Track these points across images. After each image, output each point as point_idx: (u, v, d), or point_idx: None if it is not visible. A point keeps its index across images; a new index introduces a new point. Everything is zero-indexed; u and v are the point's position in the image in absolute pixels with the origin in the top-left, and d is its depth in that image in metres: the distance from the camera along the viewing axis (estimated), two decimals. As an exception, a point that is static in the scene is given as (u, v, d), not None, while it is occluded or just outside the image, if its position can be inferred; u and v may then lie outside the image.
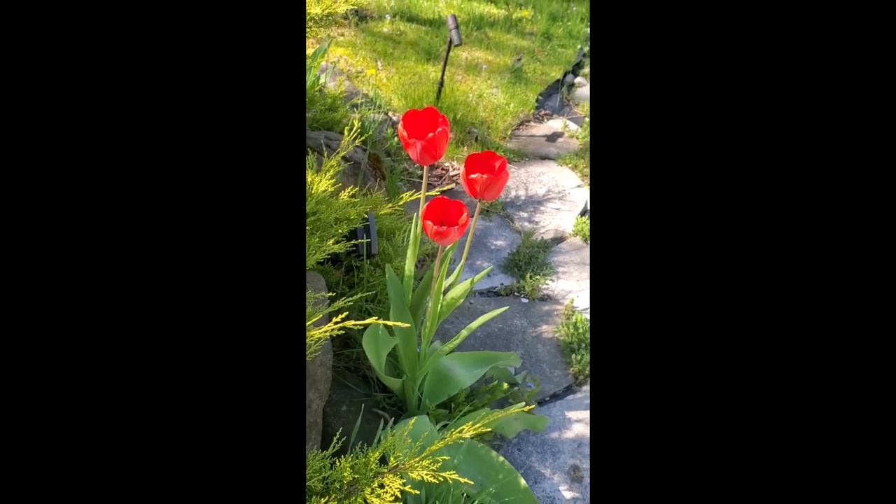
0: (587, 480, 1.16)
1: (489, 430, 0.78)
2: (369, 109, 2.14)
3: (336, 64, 2.57)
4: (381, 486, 0.75)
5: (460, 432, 0.78)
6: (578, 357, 1.42)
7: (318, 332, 0.61)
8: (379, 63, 2.70)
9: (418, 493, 0.89)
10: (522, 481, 1.02)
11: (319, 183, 1.02)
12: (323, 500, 0.72)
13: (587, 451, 1.22)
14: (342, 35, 2.94)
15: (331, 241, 0.96)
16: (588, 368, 1.40)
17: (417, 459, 0.76)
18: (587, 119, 2.78)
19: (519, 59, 3.04)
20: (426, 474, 0.74)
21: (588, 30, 3.79)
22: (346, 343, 1.27)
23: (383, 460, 0.86)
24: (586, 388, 1.38)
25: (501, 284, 1.68)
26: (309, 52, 1.78)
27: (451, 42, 2.12)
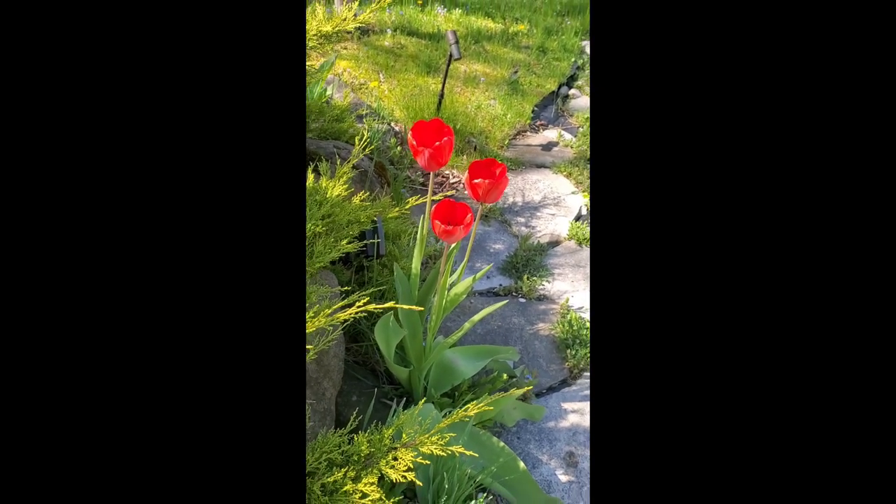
0: (582, 465, 1.25)
1: (490, 408, 0.86)
2: (374, 120, 2.24)
3: (340, 76, 2.67)
4: (395, 458, 0.83)
5: (465, 410, 0.86)
6: (573, 352, 1.50)
7: (344, 315, 0.69)
8: (381, 75, 2.80)
9: (428, 462, 0.97)
10: (521, 464, 1.09)
11: (334, 188, 1.11)
12: (343, 470, 0.81)
13: (582, 438, 1.30)
14: (345, 48, 3.05)
15: (344, 242, 1.05)
16: (582, 363, 1.49)
17: (427, 436, 0.85)
18: (581, 129, 2.88)
19: (515, 72, 3.15)
20: (435, 448, 0.83)
21: (582, 43, 3.91)
22: (355, 338, 1.36)
23: (393, 439, 0.94)
24: (581, 381, 1.46)
25: (500, 285, 1.77)
26: (317, 65, 1.88)
27: (450, 56, 2.22)
